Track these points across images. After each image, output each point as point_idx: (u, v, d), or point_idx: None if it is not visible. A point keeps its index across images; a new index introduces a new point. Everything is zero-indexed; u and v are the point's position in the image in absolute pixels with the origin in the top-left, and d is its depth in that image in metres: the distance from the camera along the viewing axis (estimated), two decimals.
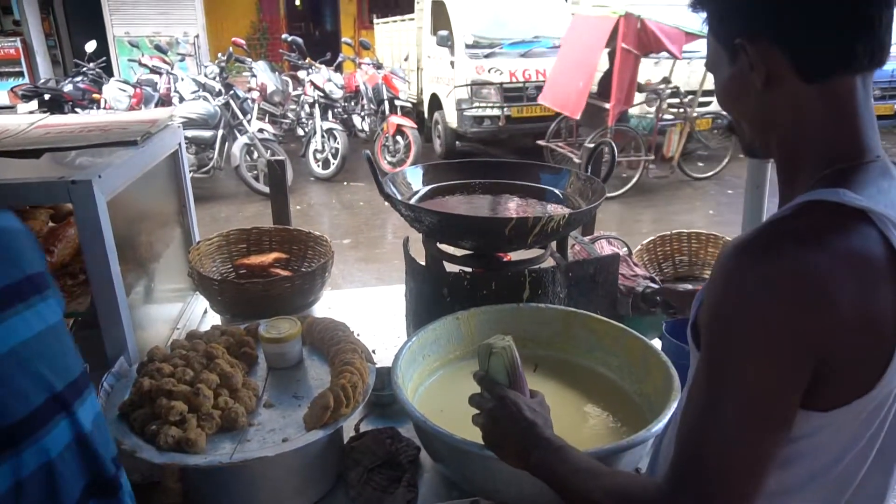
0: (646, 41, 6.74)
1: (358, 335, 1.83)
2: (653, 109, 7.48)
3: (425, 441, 1.21)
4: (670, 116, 7.53)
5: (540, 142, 7.88)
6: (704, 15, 0.81)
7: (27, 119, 1.75)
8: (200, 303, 1.91)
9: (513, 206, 1.74)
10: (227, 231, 1.91)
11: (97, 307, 1.25)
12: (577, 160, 7.23)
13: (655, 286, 1.65)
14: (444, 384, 1.42)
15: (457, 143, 8.96)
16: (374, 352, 1.75)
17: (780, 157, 0.80)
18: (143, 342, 1.50)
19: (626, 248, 1.88)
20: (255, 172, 7.02)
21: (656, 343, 1.65)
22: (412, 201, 1.70)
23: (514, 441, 0.93)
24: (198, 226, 1.98)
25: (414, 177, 1.80)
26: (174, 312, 1.79)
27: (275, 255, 1.90)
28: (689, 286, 1.58)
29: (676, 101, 7.44)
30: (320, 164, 7.88)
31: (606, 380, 1.43)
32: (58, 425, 0.76)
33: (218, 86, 7.28)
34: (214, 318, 1.86)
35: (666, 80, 7.30)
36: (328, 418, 1.12)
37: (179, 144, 1.81)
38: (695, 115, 7.55)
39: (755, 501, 0.67)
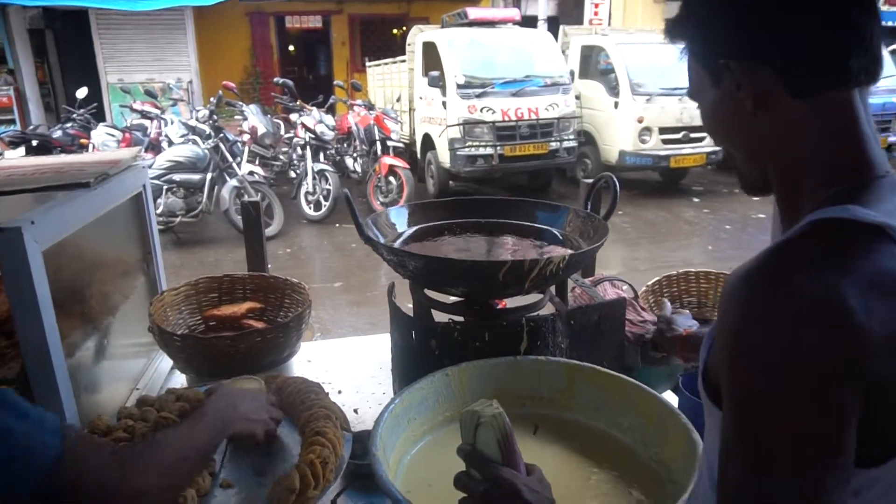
0: None
1: (339, 392, 1.67)
2: None
3: None
4: None
5: None
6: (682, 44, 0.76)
7: None
8: (167, 360, 1.74)
9: (507, 248, 1.60)
10: (196, 279, 1.75)
11: (28, 372, 1.08)
12: None
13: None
14: (433, 452, 1.24)
15: (450, 182, 8.91)
16: (356, 411, 1.58)
17: (779, 183, 0.72)
18: (93, 407, 1.33)
19: (631, 292, 1.73)
20: None
21: (669, 397, 1.49)
22: (396, 244, 1.56)
23: None
24: (184, 271, 1.82)
25: (398, 217, 1.66)
26: (135, 371, 1.62)
27: (248, 304, 1.74)
28: (683, 321, 1.41)
29: None
30: (312, 206, 7.78)
31: (617, 443, 1.26)
32: None
33: (207, 129, 7.23)
34: (182, 378, 1.69)
35: None
36: (293, 503, 0.95)
37: (144, 186, 1.66)
38: None
39: None
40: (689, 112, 8.72)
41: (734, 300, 0.61)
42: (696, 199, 8.87)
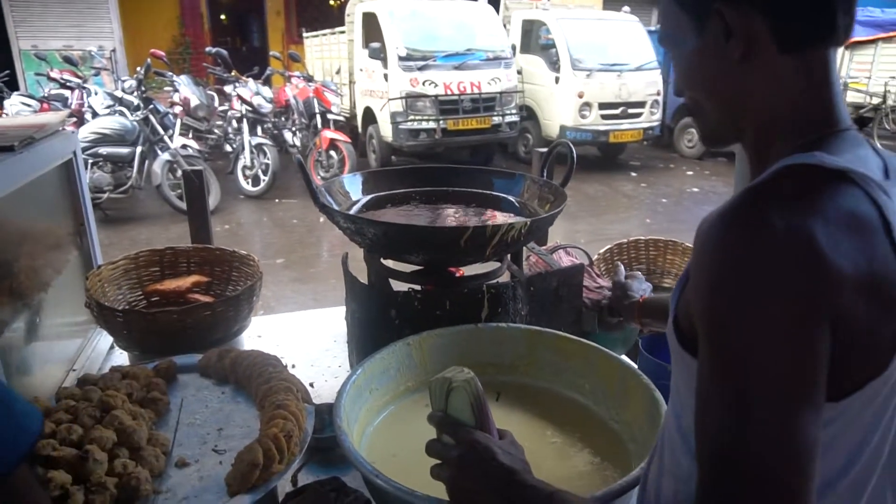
0: None
1: (293, 367, 1.61)
2: None
3: (378, 497, 1.01)
4: None
5: None
6: None
7: None
8: (105, 338, 1.64)
9: (465, 216, 1.57)
10: (136, 253, 1.65)
11: None
12: None
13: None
14: (396, 422, 1.22)
15: (392, 157, 8.80)
16: (311, 385, 1.54)
17: (753, 134, 0.73)
18: (27, 390, 1.24)
19: (586, 259, 1.74)
20: (179, 191, 6.58)
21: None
22: (351, 212, 1.51)
23: (492, 495, 0.76)
24: (114, 250, 1.71)
25: (352, 185, 1.61)
26: (71, 351, 1.52)
27: (194, 278, 1.65)
28: (637, 286, 1.43)
29: None
30: (250, 181, 7.52)
31: (579, 406, 1.27)
32: None
33: (136, 100, 6.84)
34: (123, 356, 1.60)
35: None
36: (257, 478, 0.91)
37: (74, 154, 1.54)
38: None
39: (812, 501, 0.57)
40: (628, 88, 8.91)
41: (708, 241, 0.61)
42: (633, 174, 9.10)
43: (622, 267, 1.51)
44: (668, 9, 0.74)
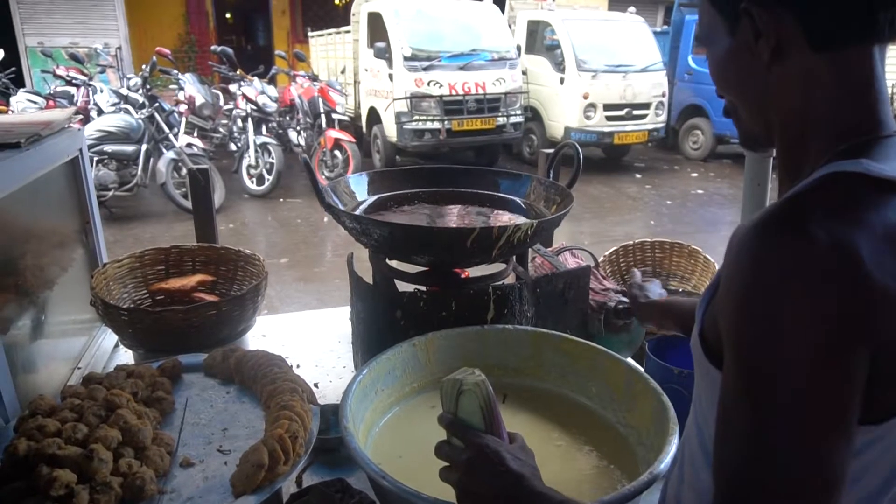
0: None
1: (297, 367, 1.61)
2: None
3: (384, 499, 1.01)
4: None
5: None
6: None
7: None
8: (110, 337, 1.64)
9: (471, 217, 1.57)
10: (141, 251, 1.64)
11: None
12: None
13: (628, 301, 1.50)
14: (401, 423, 1.22)
15: (397, 157, 8.80)
16: (316, 385, 1.53)
17: (785, 139, 0.70)
18: (32, 388, 1.23)
19: (592, 261, 1.73)
20: (184, 190, 6.61)
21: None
22: (357, 212, 1.50)
23: (500, 500, 0.76)
24: (118, 248, 1.71)
25: (358, 185, 1.60)
26: (76, 349, 1.52)
27: (199, 277, 1.65)
28: (654, 288, 1.42)
29: None
30: (254, 180, 7.53)
31: (585, 409, 1.26)
32: None
33: (141, 98, 6.86)
34: (128, 355, 1.60)
35: None
36: (262, 479, 0.91)
37: (80, 151, 1.54)
38: None
39: None
40: (633, 89, 8.90)
41: (743, 251, 0.58)
42: (638, 175, 9.09)
43: (638, 272, 1.50)
44: (703, 7, 0.72)
